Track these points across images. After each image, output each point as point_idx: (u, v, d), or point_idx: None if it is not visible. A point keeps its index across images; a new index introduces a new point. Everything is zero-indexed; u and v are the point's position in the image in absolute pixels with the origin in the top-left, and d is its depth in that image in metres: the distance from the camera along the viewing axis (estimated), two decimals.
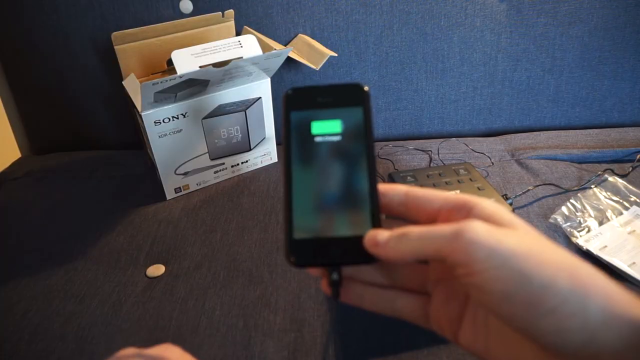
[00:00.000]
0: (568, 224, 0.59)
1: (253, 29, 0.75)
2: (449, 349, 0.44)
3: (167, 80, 0.55)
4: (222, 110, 0.67)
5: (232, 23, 0.73)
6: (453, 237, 0.23)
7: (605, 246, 0.54)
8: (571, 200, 0.63)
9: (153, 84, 0.55)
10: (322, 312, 0.49)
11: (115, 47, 0.67)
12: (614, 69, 0.81)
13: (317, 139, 0.31)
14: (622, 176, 0.67)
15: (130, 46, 0.68)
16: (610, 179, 0.66)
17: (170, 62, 0.61)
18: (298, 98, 0.32)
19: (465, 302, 0.27)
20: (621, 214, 0.60)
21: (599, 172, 0.69)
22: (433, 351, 0.44)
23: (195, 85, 0.60)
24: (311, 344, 0.45)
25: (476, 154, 0.76)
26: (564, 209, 0.61)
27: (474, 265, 0.22)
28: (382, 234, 0.27)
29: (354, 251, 0.29)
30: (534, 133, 0.82)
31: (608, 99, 0.83)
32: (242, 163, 0.74)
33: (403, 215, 0.28)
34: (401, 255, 0.26)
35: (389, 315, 0.30)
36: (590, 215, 0.60)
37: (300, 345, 0.45)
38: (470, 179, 0.63)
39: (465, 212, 0.25)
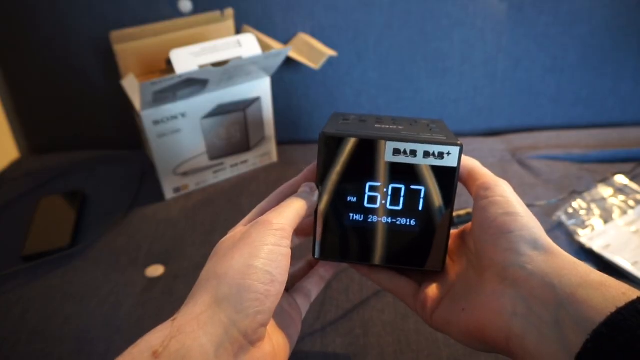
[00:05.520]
0: (572, 221, 0.59)
1: (252, 28, 0.74)
2: (450, 350, 0.44)
3: (166, 80, 0.55)
4: (221, 110, 0.66)
5: (231, 22, 0.73)
6: (493, 176, 0.34)
7: (609, 245, 0.54)
8: (576, 199, 0.62)
9: (152, 84, 0.54)
10: (322, 312, 0.48)
11: (114, 47, 0.67)
12: (615, 69, 0.80)
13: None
14: (626, 176, 0.67)
15: (129, 45, 0.67)
16: (614, 178, 0.66)
17: (169, 62, 0.61)
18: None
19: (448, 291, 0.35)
20: (626, 213, 0.59)
21: (602, 172, 0.68)
22: (433, 352, 0.44)
23: (195, 84, 0.60)
24: (312, 344, 0.45)
25: (477, 153, 0.76)
26: (567, 207, 0.61)
27: (490, 190, 0.32)
28: None
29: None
30: (535, 133, 0.81)
31: (609, 99, 0.82)
32: (242, 163, 0.74)
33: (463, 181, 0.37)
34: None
35: (387, 289, 0.38)
36: (594, 214, 0.59)
37: (300, 345, 0.45)
38: None
39: (492, 189, 0.33)
